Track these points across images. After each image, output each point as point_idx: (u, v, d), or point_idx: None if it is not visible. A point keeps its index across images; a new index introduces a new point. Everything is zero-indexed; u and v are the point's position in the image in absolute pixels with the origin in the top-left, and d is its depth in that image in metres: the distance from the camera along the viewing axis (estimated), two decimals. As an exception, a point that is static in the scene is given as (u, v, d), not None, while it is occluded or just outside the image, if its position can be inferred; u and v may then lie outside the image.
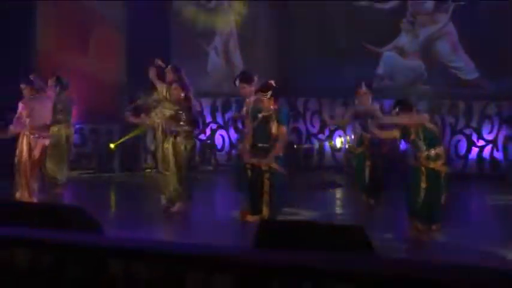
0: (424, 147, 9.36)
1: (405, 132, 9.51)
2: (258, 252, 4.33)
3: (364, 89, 10.84)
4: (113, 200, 13.70)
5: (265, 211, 9.59)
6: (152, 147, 14.17)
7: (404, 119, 9.28)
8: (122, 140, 15.23)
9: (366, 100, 10.85)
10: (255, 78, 10.63)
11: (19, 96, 11.34)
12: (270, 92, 9.59)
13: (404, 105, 9.48)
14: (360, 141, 11.14)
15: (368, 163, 10.84)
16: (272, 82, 9.80)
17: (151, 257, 3.92)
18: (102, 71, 16.93)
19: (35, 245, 4.31)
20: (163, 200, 11.22)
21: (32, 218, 5.10)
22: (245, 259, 3.89)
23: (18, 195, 11.09)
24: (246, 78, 10.77)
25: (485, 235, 9.81)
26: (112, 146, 15.74)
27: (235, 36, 17.08)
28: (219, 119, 16.97)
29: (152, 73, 11.52)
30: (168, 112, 11.03)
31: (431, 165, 9.42)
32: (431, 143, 9.46)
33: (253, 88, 10.36)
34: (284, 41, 16.02)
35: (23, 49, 16.16)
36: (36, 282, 4.22)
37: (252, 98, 10.34)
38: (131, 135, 14.57)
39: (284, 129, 9.72)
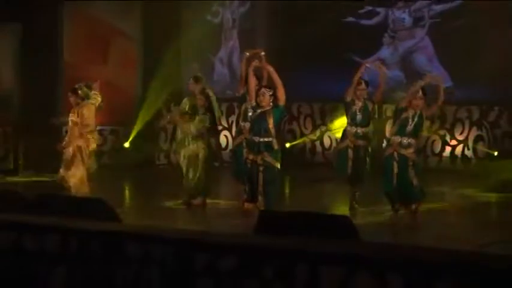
0: (410, 130, 9.50)
1: (404, 108, 9.70)
2: (257, 237, 4.36)
3: (363, 85, 10.87)
4: (128, 193, 13.70)
5: (260, 200, 9.55)
6: (165, 147, 14.12)
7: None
8: (131, 138, 15.25)
9: (363, 96, 10.84)
10: None
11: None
12: (272, 90, 9.59)
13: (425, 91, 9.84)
14: (343, 135, 11.09)
15: (351, 156, 10.75)
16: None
17: (164, 241, 3.95)
18: (120, 79, 16.95)
19: (63, 231, 4.33)
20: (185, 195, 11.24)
21: (63, 208, 5.14)
22: (246, 243, 3.91)
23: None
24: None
25: (457, 222, 9.88)
26: (126, 145, 15.76)
27: (238, 49, 17.11)
28: (223, 121, 16.99)
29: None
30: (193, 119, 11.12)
31: (402, 151, 9.50)
32: (415, 130, 9.57)
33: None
34: (281, 54, 16.03)
35: (52, 60, 16.21)
36: (63, 263, 4.25)
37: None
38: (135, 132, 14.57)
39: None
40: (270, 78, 9.97)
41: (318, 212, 7.12)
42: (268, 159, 9.51)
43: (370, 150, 10.70)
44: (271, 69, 9.71)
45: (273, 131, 9.53)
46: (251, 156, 9.61)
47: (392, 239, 8.75)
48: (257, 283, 3.60)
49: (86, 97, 11.41)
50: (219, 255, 3.70)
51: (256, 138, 9.56)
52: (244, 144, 10.55)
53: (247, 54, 10.77)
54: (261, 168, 9.53)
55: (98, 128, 14.29)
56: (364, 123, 10.70)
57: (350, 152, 10.71)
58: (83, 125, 11.22)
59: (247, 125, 10.46)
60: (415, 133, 9.80)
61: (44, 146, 11.96)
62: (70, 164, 11.19)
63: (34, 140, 14.92)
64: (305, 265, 3.51)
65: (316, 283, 3.46)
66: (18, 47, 16.84)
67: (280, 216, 5.33)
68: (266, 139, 9.50)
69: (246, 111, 10.82)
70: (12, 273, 4.42)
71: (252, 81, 9.90)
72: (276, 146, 9.59)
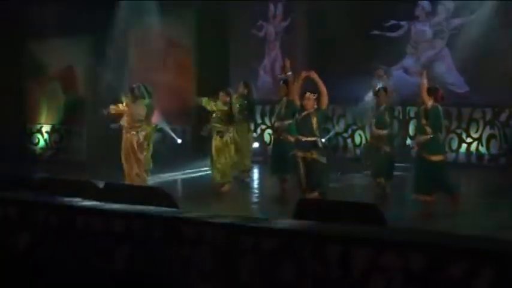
0: (429, 129, 9.25)
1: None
2: (295, 223, 4.35)
3: (382, 92, 10.84)
4: (183, 182, 13.62)
5: (316, 193, 9.31)
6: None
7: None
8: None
9: (383, 100, 10.75)
10: None
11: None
12: (316, 94, 9.35)
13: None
14: (372, 135, 11.05)
15: (377, 153, 10.68)
16: None
17: (215, 225, 3.96)
18: (176, 84, 17.05)
19: (129, 215, 4.37)
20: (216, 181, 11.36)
21: (128, 196, 5.18)
22: (286, 228, 3.90)
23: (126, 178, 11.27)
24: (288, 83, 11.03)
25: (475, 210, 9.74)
26: (179, 141, 15.84)
27: (280, 59, 17.08)
28: (267, 121, 17.06)
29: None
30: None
31: (423, 154, 9.30)
32: (435, 124, 9.30)
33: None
34: (319, 63, 15.96)
35: (119, 71, 16.42)
36: (130, 242, 4.28)
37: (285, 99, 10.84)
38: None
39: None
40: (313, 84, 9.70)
41: (349, 200, 7.11)
42: (315, 156, 9.26)
43: (388, 149, 10.60)
44: (317, 77, 9.47)
45: (316, 131, 9.30)
46: (300, 154, 9.35)
47: (416, 225, 8.60)
48: (294, 263, 3.59)
49: (141, 96, 11.47)
50: (262, 237, 3.70)
51: (303, 138, 9.33)
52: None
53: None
54: (310, 164, 9.28)
55: (159, 126, 14.46)
56: (382, 126, 10.65)
57: (372, 150, 10.74)
58: (134, 120, 11.27)
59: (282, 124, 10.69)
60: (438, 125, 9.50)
61: (111, 142, 12.07)
62: (127, 156, 11.26)
63: (102, 138, 15.06)
64: (337, 247, 3.49)
65: (348, 263, 3.44)
66: (91, 56, 17.08)
67: (316, 204, 5.32)
68: (311, 138, 9.27)
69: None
70: (82, 250, 4.47)
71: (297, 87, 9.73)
72: (320, 144, 9.34)
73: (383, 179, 10.61)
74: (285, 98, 11.03)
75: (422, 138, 9.40)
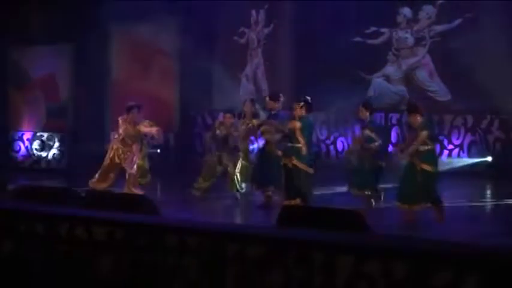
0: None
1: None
2: (280, 230, 4.33)
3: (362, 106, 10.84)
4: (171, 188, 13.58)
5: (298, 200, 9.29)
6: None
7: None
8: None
9: (363, 115, 10.75)
10: (281, 96, 10.68)
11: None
12: (301, 103, 9.45)
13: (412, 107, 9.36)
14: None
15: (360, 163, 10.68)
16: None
17: (200, 233, 3.93)
18: (161, 92, 17.00)
19: (111, 223, 4.33)
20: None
21: (110, 203, 5.14)
22: (270, 235, 3.89)
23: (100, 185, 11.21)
24: (274, 96, 10.84)
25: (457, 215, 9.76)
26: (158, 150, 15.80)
27: (262, 66, 17.10)
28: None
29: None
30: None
31: (415, 161, 9.25)
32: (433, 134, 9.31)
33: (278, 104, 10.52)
34: (300, 70, 16.00)
35: (101, 79, 16.36)
36: (111, 251, 4.24)
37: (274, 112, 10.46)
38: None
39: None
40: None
41: (333, 207, 7.09)
42: (295, 162, 9.32)
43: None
44: None
45: (300, 138, 9.38)
46: (284, 160, 9.49)
47: (400, 232, 8.60)
48: (279, 270, 3.57)
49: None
50: (247, 244, 3.67)
51: (287, 144, 9.50)
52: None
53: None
54: (291, 171, 9.35)
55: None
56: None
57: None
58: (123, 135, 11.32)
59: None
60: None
61: (93, 150, 12.00)
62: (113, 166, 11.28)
63: (85, 145, 14.99)
64: (321, 255, 3.48)
65: (331, 270, 3.43)
66: (72, 64, 17.01)
67: (300, 211, 5.31)
68: (295, 145, 9.39)
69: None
70: (64, 259, 4.42)
71: None
72: (303, 152, 9.37)
73: (368, 189, 10.60)
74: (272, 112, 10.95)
75: (420, 147, 9.35)
